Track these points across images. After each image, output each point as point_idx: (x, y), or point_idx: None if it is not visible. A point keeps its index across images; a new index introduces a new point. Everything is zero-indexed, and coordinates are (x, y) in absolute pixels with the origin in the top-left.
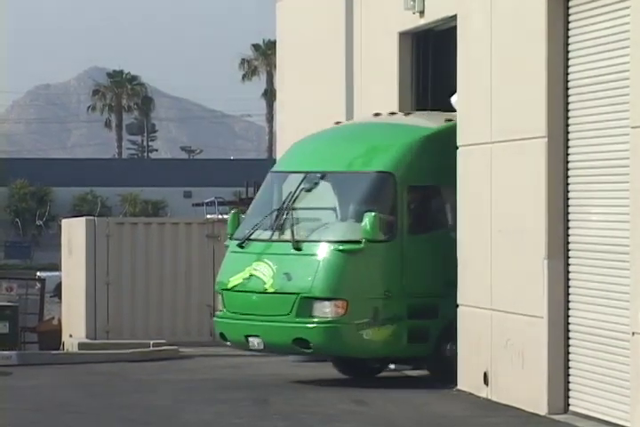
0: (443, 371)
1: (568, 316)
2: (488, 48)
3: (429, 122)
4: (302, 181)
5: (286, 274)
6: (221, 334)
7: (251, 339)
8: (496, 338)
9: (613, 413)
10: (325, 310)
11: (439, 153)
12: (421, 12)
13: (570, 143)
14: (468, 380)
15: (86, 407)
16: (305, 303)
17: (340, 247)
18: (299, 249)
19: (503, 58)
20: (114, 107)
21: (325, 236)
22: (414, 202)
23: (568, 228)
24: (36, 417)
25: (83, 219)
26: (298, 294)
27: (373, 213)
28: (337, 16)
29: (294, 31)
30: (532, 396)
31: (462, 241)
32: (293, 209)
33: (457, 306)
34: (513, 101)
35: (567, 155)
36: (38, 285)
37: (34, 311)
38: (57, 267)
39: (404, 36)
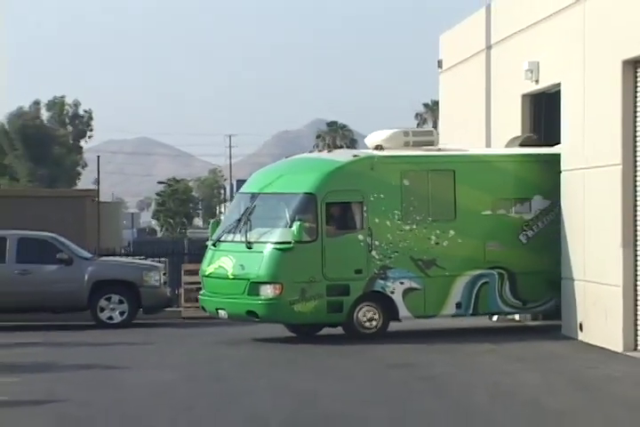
0: (354, 331)
1: (636, 285)
2: (582, 103)
3: (341, 157)
4: (255, 199)
5: (241, 265)
6: (202, 307)
7: (220, 311)
8: (588, 300)
9: None
10: (267, 291)
11: (347, 179)
12: (537, 81)
13: (638, 169)
14: (568, 328)
15: None
16: (254, 286)
17: (277, 246)
18: (250, 248)
19: (592, 109)
20: (331, 146)
21: (268, 238)
22: (330, 214)
23: (636, 227)
24: None
25: None
26: (249, 279)
27: (299, 222)
28: (479, 83)
29: (451, 94)
30: (612, 339)
31: (565, 236)
32: (248, 219)
33: (379, 288)
34: (599, 139)
35: (635, 176)
36: None
37: None
38: None
39: (525, 97)
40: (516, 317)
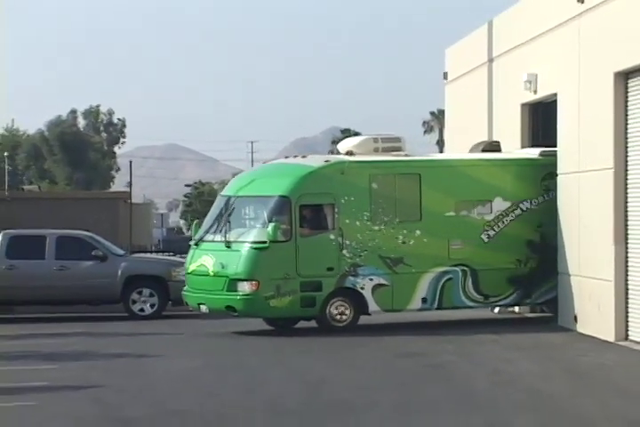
0: (326, 325)
1: (627, 280)
2: (577, 112)
3: (314, 162)
4: (234, 201)
5: (221, 263)
6: (186, 302)
7: (201, 306)
8: (583, 293)
9: None
10: (245, 287)
11: (319, 182)
12: (535, 91)
13: (628, 172)
14: (564, 319)
15: None
16: (232, 283)
17: (254, 246)
18: (229, 247)
19: (586, 117)
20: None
21: (245, 238)
22: (303, 215)
23: (627, 226)
24: None
25: None
26: (228, 276)
27: (274, 223)
28: (482, 94)
29: (455, 103)
30: (605, 329)
31: (561, 234)
32: (227, 220)
33: (350, 284)
34: (592, 145)
35: (626, 179)
36: None
37: None
38: None
39: (524, 106)
40: (516, 309)
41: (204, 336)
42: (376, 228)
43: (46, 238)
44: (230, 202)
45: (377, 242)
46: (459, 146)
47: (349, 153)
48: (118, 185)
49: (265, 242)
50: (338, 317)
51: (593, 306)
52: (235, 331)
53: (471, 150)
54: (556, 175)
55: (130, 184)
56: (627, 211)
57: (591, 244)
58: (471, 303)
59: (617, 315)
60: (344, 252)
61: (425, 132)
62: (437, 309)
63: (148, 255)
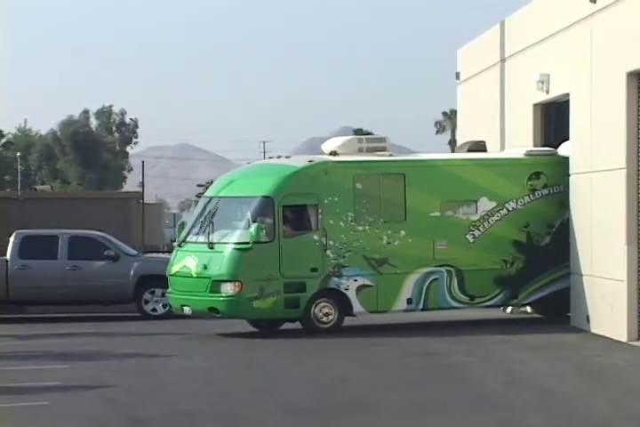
0: (311, 326)
1: (639, 280)
2: (589, 112)
3: (297, 162)
4: (217, 202)
5: (204, 264)
6: (169, 305)
7: (184, 307)
8: (595, 293)
9: None
10: (228, 289)
11: (302, 183)
12: (547, 91)
13: None
14: (576, 319)
15: None
16: (215, 284)
17: (237, 247)
18: (212, 248)
19: (598, 117)
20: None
21: (228, 239)
22: (287, 216)
23: (639, 224)
24: None
25: None
26: (210, 277)
27: (257, 224)
28: (494, 94)
29: (467, 103)
30: (617, 330)
31: (573, 234)
32: (210, 221)
33: (334, 285)
34: (605, 146)
35: (638, 179)
36: None
37: None
38: None
39: (536, 106)
40: (528, 309)
41: (217, 336)
42: (360, 228)
43: (59, 238)
44: (213, 203)
45: (361, 242)
46: None
47: (333, 153)
48: (130, 185)
49: (248, 243)
50: (323, 318)
51: (605, 306)
52: (247, 331)
53: (457, 150)
54: (542, 174)
55: (142, 184)
56: (639, 211)
57: (604, 244)
58: (457, 304)
59: (629, 315)
60: (328, 252)
61: (437, 132)
62: (423, 310)
63: (161, 255)
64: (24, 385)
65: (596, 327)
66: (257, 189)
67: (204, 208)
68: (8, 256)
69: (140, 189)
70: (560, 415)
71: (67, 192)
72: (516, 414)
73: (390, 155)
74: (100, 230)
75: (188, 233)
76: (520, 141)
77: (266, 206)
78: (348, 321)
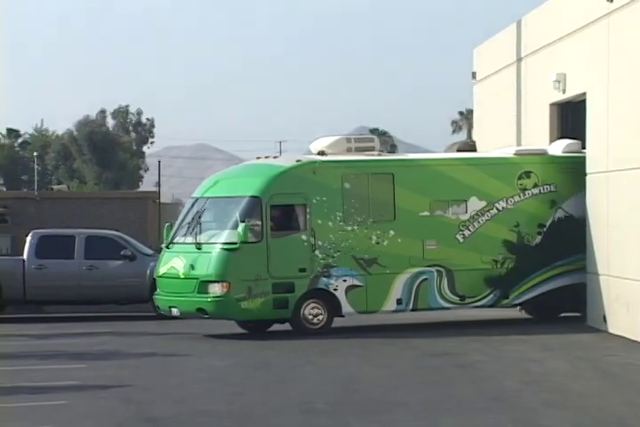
0: (300, 327)
1: None
2: (606, 111)
3: (285, 162)
4: (205, 203)
5: (191, 265)
6: (157, 306)
7: (172, 309)
8: (611, 293)
9: None
10: (216, 289)
11: (290, 182)
12: (564, 91)
13: None
14: (593, 319)
15: None
16: (203, 285)
17: (225, 247)
18: (199, 249)
19: (615, 116)
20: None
21: (216, 239)
22: (274, 216)
23: None
24: None
25: None
26: (198, 278)
27: (244, 224)
28: (511, 93)
29: (484, 103)
30: (634, 329)
31: (589, 234)
32: (198, 222)
33: (323, 285)
34: (621, 145)
35: None
36: None
37: None
38: None
39: (552, 106)
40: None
41: (233, 336)
42: (349, 228)
43: (75, 238)
44: (201, 203)
45: (350, 242)
46: (487, 145)
47: (322, 153)
48: (147, 185)
49: (236, 243)
50: (313, 319)
51: (621, 305)
52: (260, 332)
53: (446, 150)
54: (532, 174)
55: (158, 184)
56: None
57: (620, 243)
58: (447, 304)
59: None
60: (316, 252)
61: (453, 131)
62: (412, 310)
63: None
64: (41, 385)
65: (613, 327)
66: (245, 190)
67: (192, 209)
68: (25, 256)
69: (157, 189)
70: (577, 415)
71: (83, 192)
72: (533, 413)
73: (379, 154)
74: (116, 230)
75: (176, 234)
76: (537, 141)
77: (254, 206)
78: (357, 321)
